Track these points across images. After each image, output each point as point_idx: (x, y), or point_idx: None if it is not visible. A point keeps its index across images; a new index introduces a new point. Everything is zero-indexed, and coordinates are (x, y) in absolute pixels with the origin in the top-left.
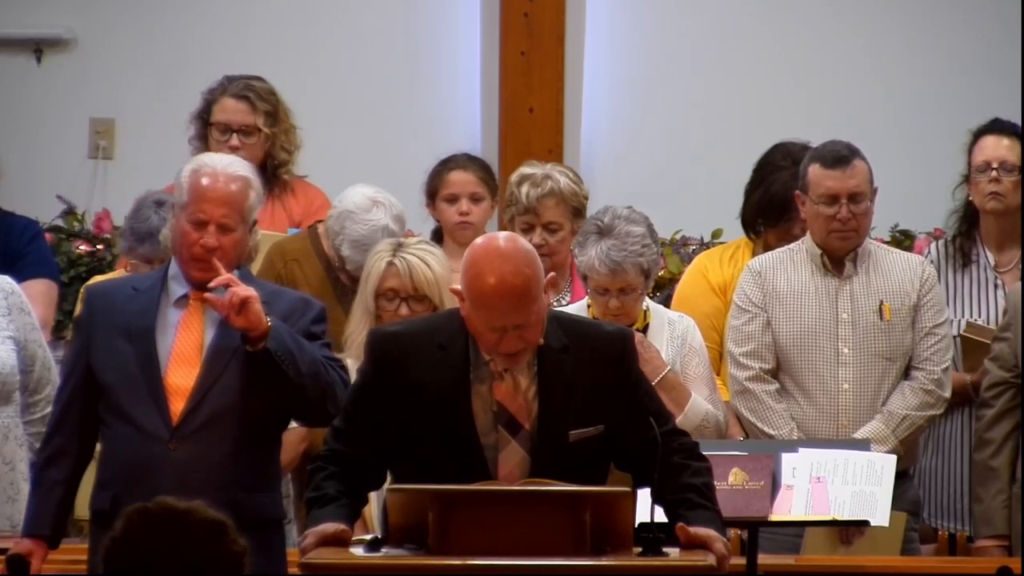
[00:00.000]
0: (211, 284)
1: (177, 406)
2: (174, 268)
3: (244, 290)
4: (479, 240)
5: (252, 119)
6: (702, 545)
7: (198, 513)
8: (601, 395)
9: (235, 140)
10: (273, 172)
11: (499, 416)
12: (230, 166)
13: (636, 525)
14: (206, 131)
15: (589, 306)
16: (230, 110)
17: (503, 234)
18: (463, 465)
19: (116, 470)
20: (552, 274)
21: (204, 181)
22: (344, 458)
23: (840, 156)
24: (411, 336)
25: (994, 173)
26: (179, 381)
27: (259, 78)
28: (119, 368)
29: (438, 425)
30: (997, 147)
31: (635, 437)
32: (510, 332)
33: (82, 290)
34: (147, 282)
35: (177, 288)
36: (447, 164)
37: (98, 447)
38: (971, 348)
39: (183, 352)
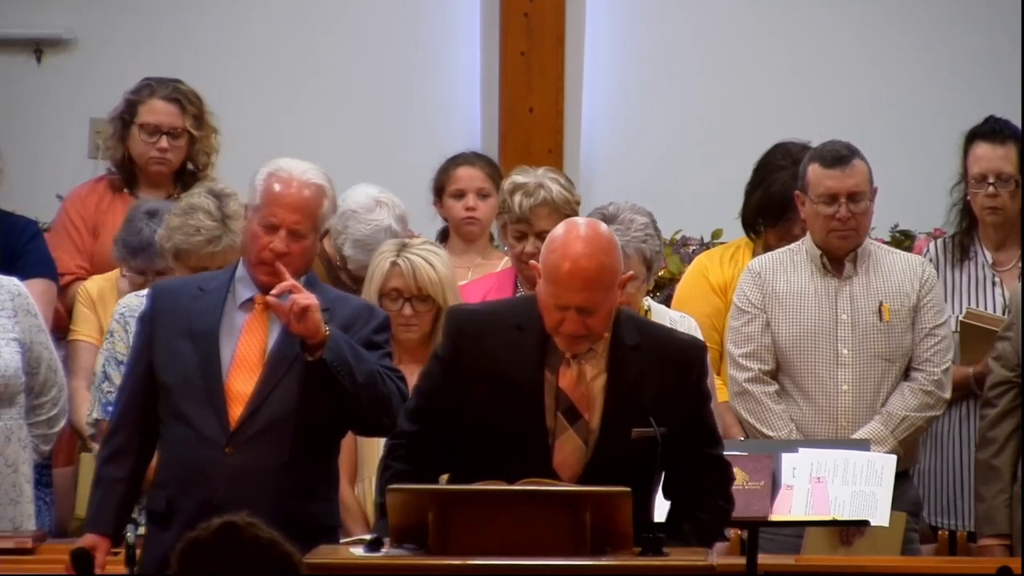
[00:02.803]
0: (274, 291)
1: (236, 411)
2: (241, 270)
3: (305, 298)
4: (563, 223)
5: (181, 121)
6: None
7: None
8: (667, 400)
9: (164, 142)
10: (192, 176)
11: (559, 403)
12: (306, 172)
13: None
14: (127, 132)
15: None
16: (160, 112)
17: (587, 219)
18: (525, 447)
19: (172, 472)
20: (631, 272)
21: (277, 187)
22: (414, 442)
23: (839, 156)
24: (490, 315)
25: (991, 189)
26: (239, 386)
27: (181, 81)
28: (180, 370)
29: (508, 404)
30: (992, 159)
31: (687, 449)
32: (573, 313)
33: (80, 289)
34: (214, 283)
35: (243, 291)
36: (454, 160)
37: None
38: (971, 335)
39: (245, 357)
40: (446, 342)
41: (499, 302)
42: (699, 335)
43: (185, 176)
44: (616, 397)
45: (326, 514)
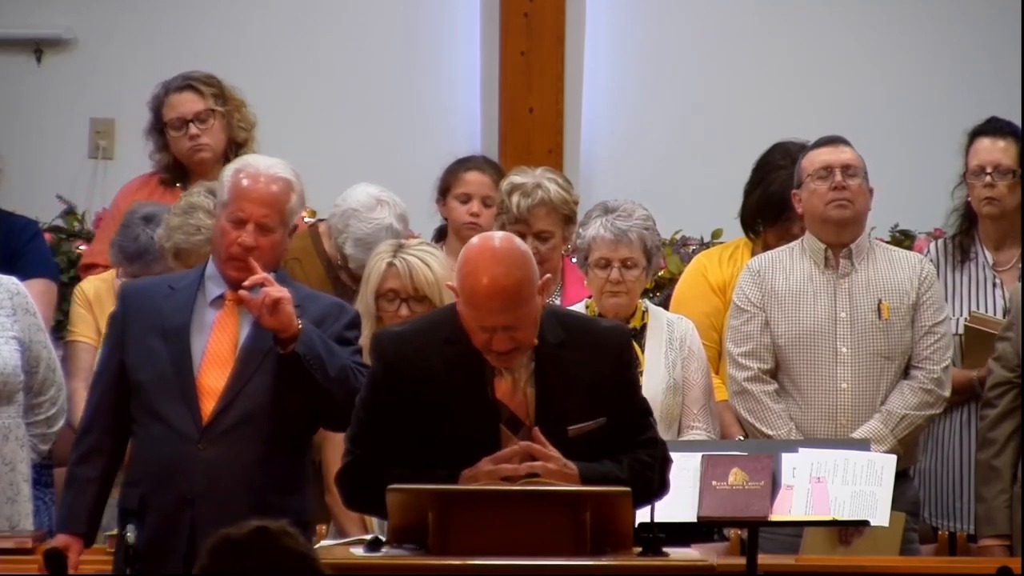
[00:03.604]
0: (245, 283)
1: (208, 406)
2: (211, 267)
3: (277, 291)
4: (475, 239)
5: (202, 104)
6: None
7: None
8: (599, 389)
9: (193, 129)
10: (236, 155)
11: (500, 414)
12: (272, 167)
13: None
14: (164, 140)
15: (587, 307)
16: (178, 104)
17: (499, 234)
18: (475, 462)
19: (146, 469)
20: (548, 276)
21: (245, 181)
22: (368, 463)
23: (832, 137)
24: (417, 334)
25: (988, 178)
26: (211, 382)
27: (195, 71)
28: (153, 367)
29: (453, 424)
30: (992, 151)
31: (622, 434)
32: (500, 332)
33: (77, 290)
34: (183, 281)
35: (214, 288)
36: (464, 163)
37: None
38: (976, 339)
39: (217, 352)
40: (380, 366)
41: (421, 319)
42: (697, 337)
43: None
44: (548, 399)
45: (301, 509)
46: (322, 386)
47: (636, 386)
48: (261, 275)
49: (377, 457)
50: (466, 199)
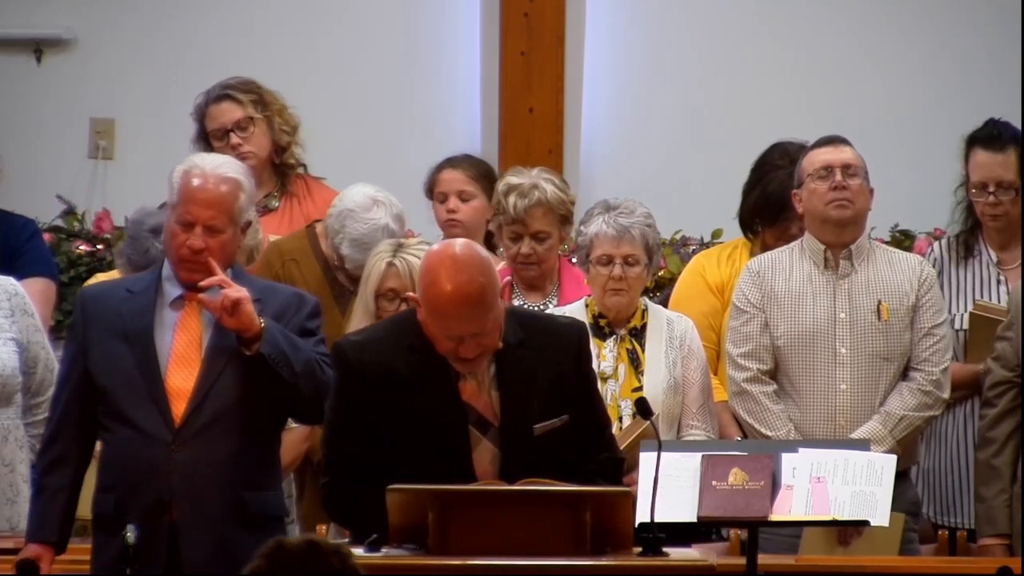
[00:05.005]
0: (202, 284)
1: (178, 408)
2: (167, 269)
3: (235, 291)
4: (435, 247)
5: (241, 112)
6: None
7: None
8: (560, 385)
9: (235, 138)
10: (283, 161)
11: (468, 416)
12: (220, 167)
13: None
14: (211, 150)
15: (588, 306)
16: (217, 114)
17: (459, 241)
18: (447, 465)
19: (119, 473)
20: (507, 279)
21: (194, 182)
22: (346, 479)
23: (832, 137)
24: (378, 342)
25: (992, 198)
26: (179, 383)
27: (232, 79)
28: (118, 371)
29: (423, 428)
30: (992, 166)
31: (580, 430)
32: (468, 340)
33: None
34: (141, 284)
35: (172, 289)
36: (442, 163)
37: (98, 448)
38: (981, 327)
39: (182, 353)
40: (343, 375)
41: (380, 326)
42: (696, 335)
43: (279, 167)
44: (512, 400)
45: (275, 504)
46: (288, 382)
47: (595, 381)
48: (219, 276)
49: (353, 470)
50: (443, 198)
